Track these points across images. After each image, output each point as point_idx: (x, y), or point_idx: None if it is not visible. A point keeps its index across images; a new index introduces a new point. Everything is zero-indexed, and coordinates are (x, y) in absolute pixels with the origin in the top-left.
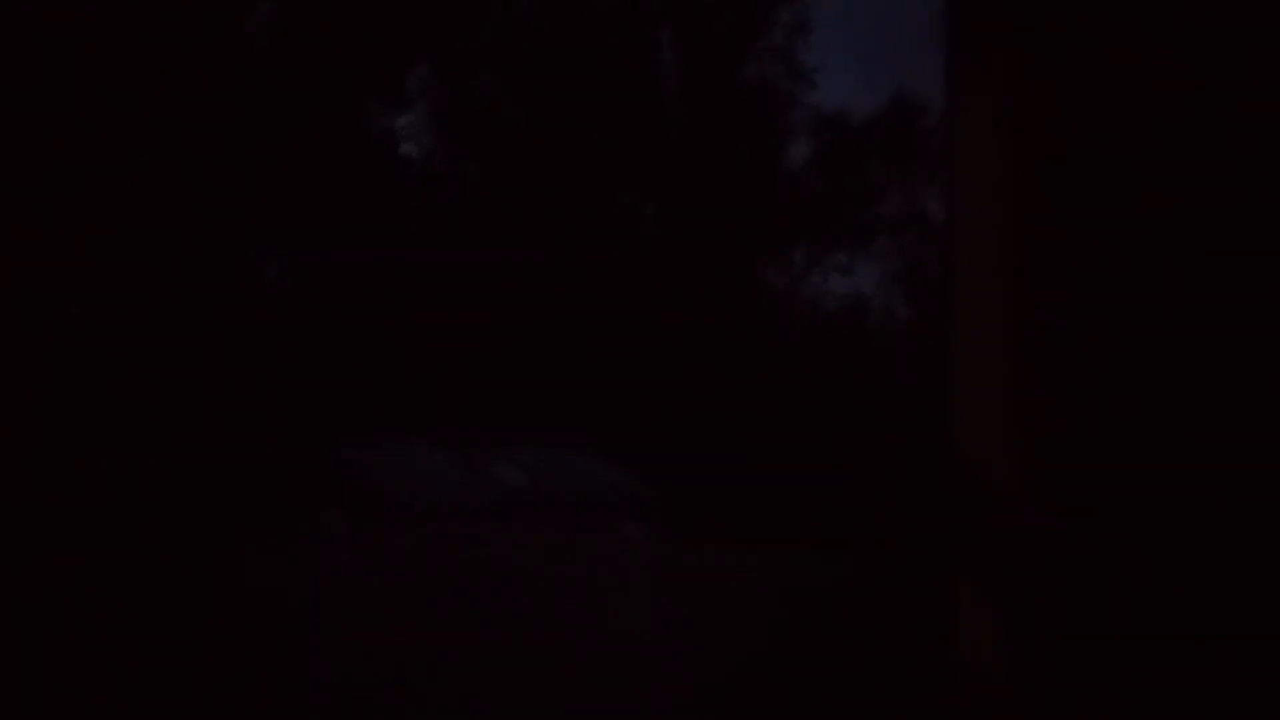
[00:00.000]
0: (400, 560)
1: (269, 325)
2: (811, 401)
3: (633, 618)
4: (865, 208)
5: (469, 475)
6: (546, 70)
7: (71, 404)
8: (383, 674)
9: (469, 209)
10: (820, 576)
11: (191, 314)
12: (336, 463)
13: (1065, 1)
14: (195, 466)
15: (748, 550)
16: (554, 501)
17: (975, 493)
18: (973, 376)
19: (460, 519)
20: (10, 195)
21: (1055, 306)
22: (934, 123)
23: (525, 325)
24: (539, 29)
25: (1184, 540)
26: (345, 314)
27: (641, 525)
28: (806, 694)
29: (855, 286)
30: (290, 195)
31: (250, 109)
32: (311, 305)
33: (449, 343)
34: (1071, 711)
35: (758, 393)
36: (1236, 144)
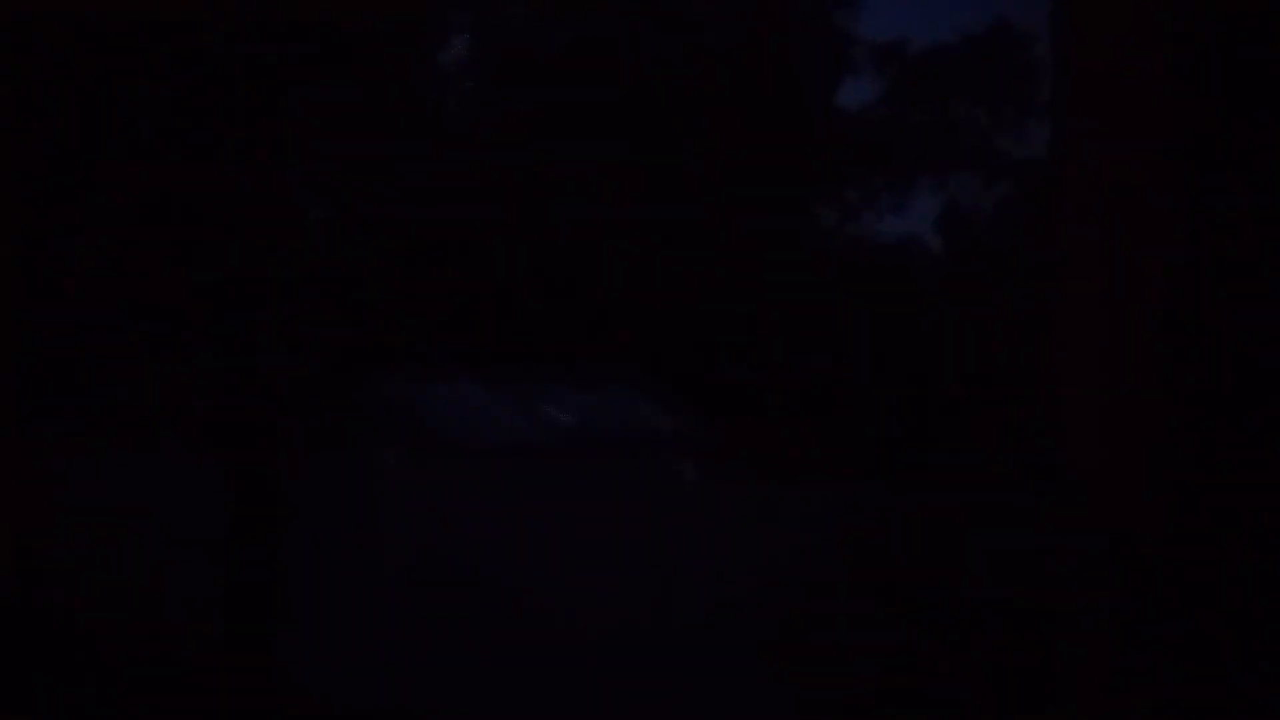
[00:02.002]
0: (456, 497)
1: (315, 264)
2: (863, 341)
3: (686, 553)
4: (927, 144)
5: (519, 414)
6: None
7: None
8: (443, 604)
9: (513, 141)
10: (874, 513)
11: (237, 253)
12: (388, 401)
13: None
14: (252, 405)
15: (805, 488)
16: (606, 439)
17: (1081, 491)
18: (1076, 376)
19: (512, 457)
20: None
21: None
22: (1002, 59)
23: (570, 263)
24: None
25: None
26: (390, 251)
27: (694, 463)
28: (855, 629)
29: (908, 226)
30: (331, 129)
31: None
32: (359, 242)
33: (495, 279)
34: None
35: (810, 330)
36: None
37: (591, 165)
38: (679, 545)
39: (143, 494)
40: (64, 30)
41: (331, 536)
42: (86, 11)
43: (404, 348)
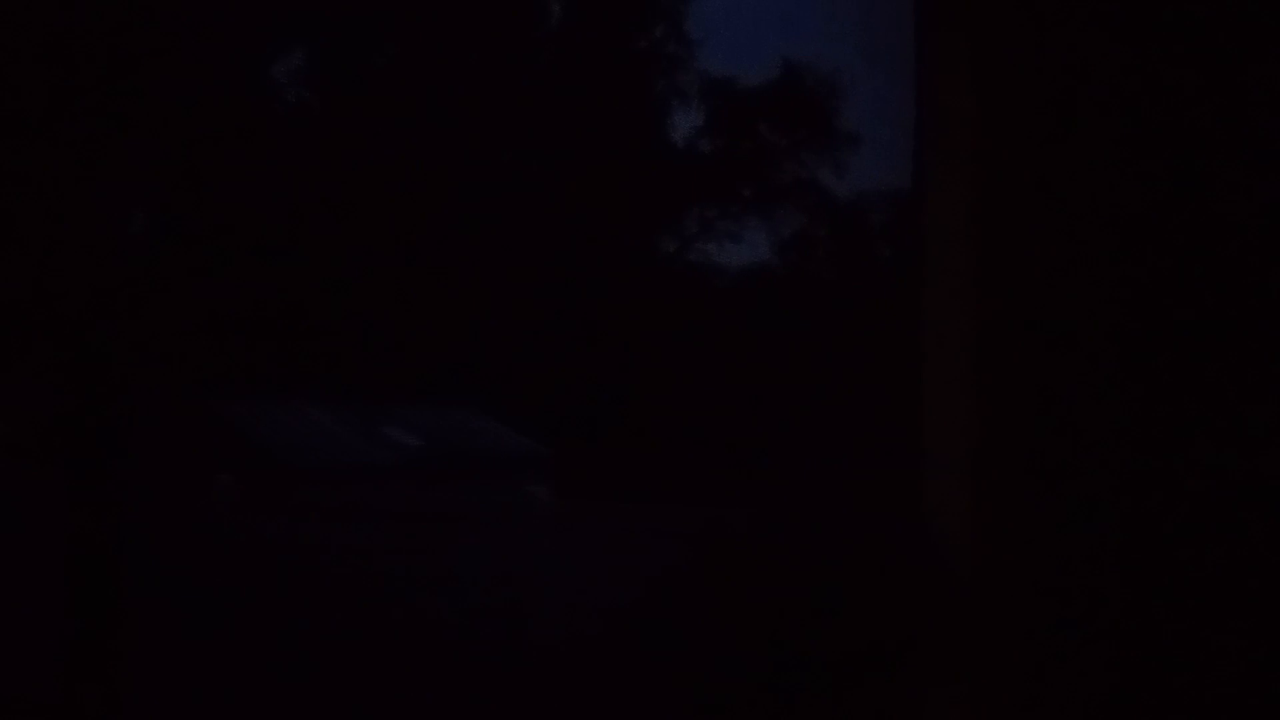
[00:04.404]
0: (295, 518)
1: (145, 279)
2: (704, 365)
3: (531, 572)
4: (756, 175)
5: (361, 436)
6: (430, 34)
7: None
8: (282, 628)
9: (351, 162)
10: (719, 535)
11: (63, 270)
12: (225, 422)
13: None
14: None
15: (657, 510)
16: (451, 462)
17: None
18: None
19: (356, 479)
20: None
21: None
22: (826, 92)
23: (412, 288)
24: None
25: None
26: (225, 269)
27: (538, 484)
28: (693, 647)
29: (746, 254)
30: (159, 137)
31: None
32: (192, 259)
33: (336, 301)
34: None
35: (653, 355)
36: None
37: (434, 190)
38: (523, 565)
39: None
40: None
41: (166, 559)
42: None
43: (242, 368)
